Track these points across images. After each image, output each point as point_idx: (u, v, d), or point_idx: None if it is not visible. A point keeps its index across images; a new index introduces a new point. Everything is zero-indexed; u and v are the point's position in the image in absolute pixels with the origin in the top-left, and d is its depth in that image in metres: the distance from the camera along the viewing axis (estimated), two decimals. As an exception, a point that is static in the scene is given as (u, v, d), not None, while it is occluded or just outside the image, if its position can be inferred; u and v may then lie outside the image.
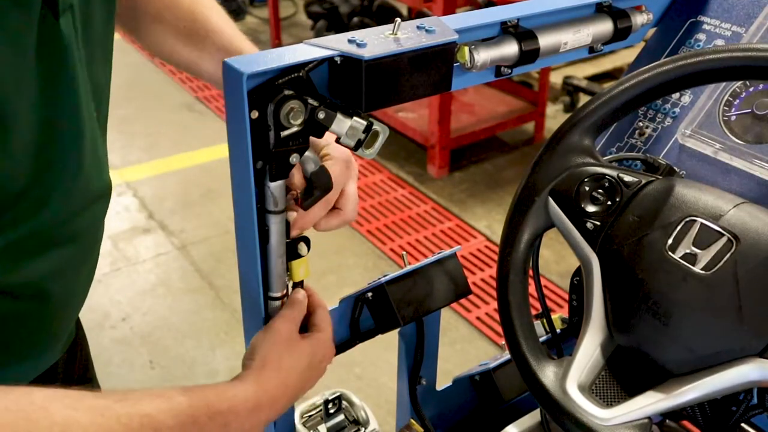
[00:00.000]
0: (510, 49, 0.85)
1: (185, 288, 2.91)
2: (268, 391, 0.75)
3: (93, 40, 0.81)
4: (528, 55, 0.86)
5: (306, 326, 0.84)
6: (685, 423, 0.93)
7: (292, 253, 0.82)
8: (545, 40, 0.87)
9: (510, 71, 0.88)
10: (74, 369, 1.02)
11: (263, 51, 0.72)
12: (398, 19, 0.77)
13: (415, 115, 3.75)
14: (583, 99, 4.11)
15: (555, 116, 4.16)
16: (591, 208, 0.81)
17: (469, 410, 1.21)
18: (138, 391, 0.69)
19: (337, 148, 0.86)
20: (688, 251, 0.74)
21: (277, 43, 5.04)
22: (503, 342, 0.87)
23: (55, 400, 0.63)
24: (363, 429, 1.09)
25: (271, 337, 0.78)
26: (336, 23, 4.85)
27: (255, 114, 0.70)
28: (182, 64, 1.02)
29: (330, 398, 1.09)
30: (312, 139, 0.84)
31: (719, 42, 0.99)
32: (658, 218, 0.76)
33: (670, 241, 0.75)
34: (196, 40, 0.97)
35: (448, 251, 1.07)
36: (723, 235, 0.73)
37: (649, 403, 0.74)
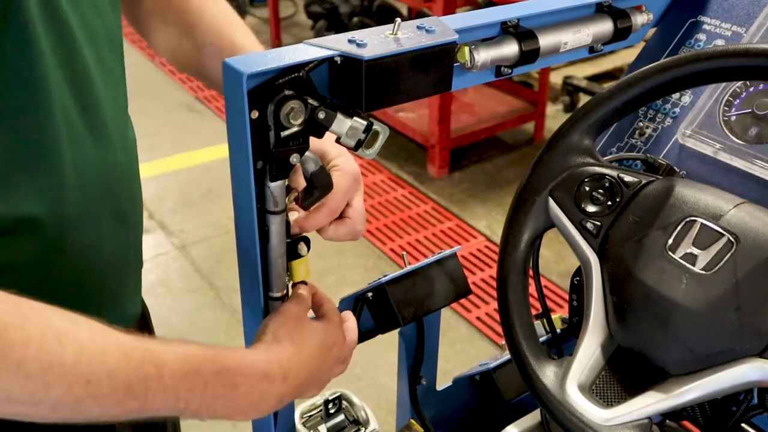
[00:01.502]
0: (510, 49, 0.85)
1: (185, 288, 2.91)
2: (279, 360, 0.72)
3: None
4: (528, 55, 0.86)
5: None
6: (685, 423, 0.93)
7: (292, 253, 0.82)
8: (545, 40, 0.87)
9: (510, 71, 0.88)
10: None
11: (263, 51, 0.72)
12: (398, 19, 0.77)
13: (415, 115, 3.75)
14: (583, 99, 4.11)
15: (555, 116, 4.16)
16: (591, 208, 0.81)
17: (469, 410, 1.21)
18: (145, 334, 0.66)
19: (346, 161, 0.86)
20: (688, 251, 0.74)
21: (277, 43, 5.05)
22: (503, 342, 0.87)
23: (56, 312, 0.61)
24: (363, 429, 1.09)
25: (280, 317, 0.78)
26: (336, 23, 4.85)
27: (255, 114, 0.70)
28: (183, 60, 1.02)
29: (330, 398, 1.09)
30: (323, 149, 0.84)
31: (719, 42, 0.99)
32: (658, 218, 0.76)
33: (670, 241, 0.75)
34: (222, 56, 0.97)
35: (448, 251, 1.07)
36: (723, 235, 0.73)
37: (649, 403, 0.74)
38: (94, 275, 0.88)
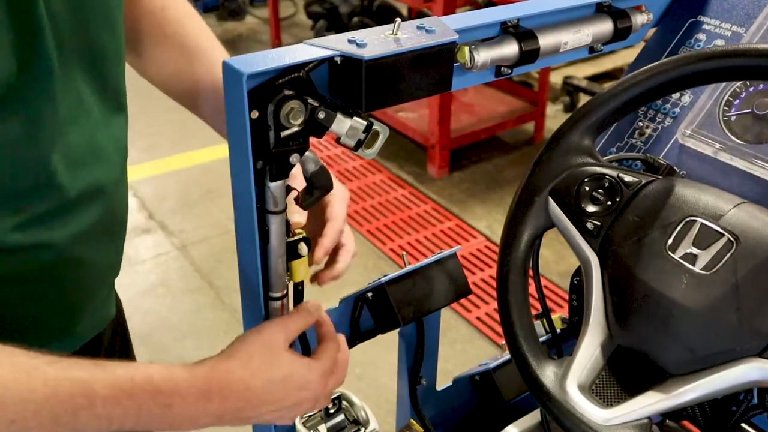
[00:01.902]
0: (510, 49, 0.85)
1: (185, 288, 2.91)
2: (221, 381, 0.71)
3: (86, 3, 0.80)
4: (528, 55, 0.86)
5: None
6: (685, 423, 0.93)
7: (292, 253, 0.82)
8: (545, 40, 0.87)
9: (510, 71, 0.88)
10: (116, 347, 1.03)
11: (263, 51, 0.72)
12: (398, 19, 0.77)
13: (415, 115, 3.75)
14: (583, 99, 4.11)
15: (555, 116, 4.16)
16: (591, 208, 0.81)
17: (469, 410, 1.21)
18: (79, 357, 0.66)
19: (339, 187, 0.88)
20: (688, 251, 0.74)
21: (277, 43, 5.05)
22: (503, 342, 0.87)
23: None
24: (363, 429, 1.09)
25: (252, 336, 0.75)
26: (336, 23, 4.85)
27: (255, 114, 0.70)
28: (181, 88, 1.03)
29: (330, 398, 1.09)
30: None
31: (719, 42, 0.99)
32: (658, 218, 0.76)
33: (670, 241, 0.75)
34: (198, 69, 0.99)
35: (448, 251, 1.07)
36: (723, 235, 0.73)
37: (649, 403, 0.74)
38: (86, 287, 0.90)
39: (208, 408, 0.70)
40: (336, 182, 0.88)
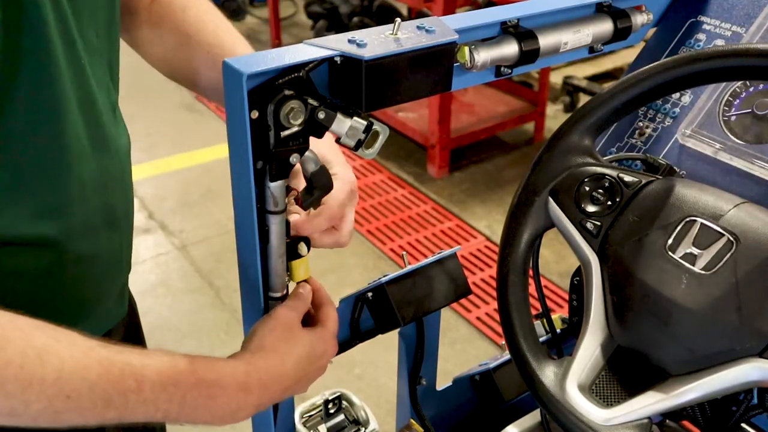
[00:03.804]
0: (510, 49, 0.85)
1: (185, 288, 2.91)
2: (259, 372, 0.73)
3: None
4: (528, 55, 0.86)
5: (311, 321, 0.84)
6: (685, 423, 0.93)
7: (292, 253, 0.82)
8: (545, 40, 0.87)
9: (510, 71, 0.88)
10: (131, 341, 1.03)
11: (263, 51, 0.72)
12: (398, 19, 0.77)
13: (415, 115, 3.75)
14: (583, 99, 4.11)
15: (555, 116, 4.16)
16: (591, 208, 0.81)
17: (469, 410, 1.21)
18: (126, 345, 0.68)
19: (345, 171, 0.87)
20: (688, 251, 0.74)
21: (277, 43, 5.05)
22: (503, 342, 0.87)
23: (39, 329, 0.63)
24: (363, 429, 1.09)
25: (271, 322, 0.78)
26: (336, 23, 4.85)
27: (255, 114, 0.70)
28: (179, 70, 1.02)
29: (330, 398, 1.09)
30: (323, 153, 0.85)
31: (719, 42, 0.99)
32: (658, 218, 0.76)
33: (670, 241, 0.75)
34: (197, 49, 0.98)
35: (448, 251, 1.07)
36: (723, 235, 0.73)
37: (649, 403, 0.74)
38: (90, 282, 0.90)
39: (248, 399, 0.72)
40: (345, 167, 0.87)
